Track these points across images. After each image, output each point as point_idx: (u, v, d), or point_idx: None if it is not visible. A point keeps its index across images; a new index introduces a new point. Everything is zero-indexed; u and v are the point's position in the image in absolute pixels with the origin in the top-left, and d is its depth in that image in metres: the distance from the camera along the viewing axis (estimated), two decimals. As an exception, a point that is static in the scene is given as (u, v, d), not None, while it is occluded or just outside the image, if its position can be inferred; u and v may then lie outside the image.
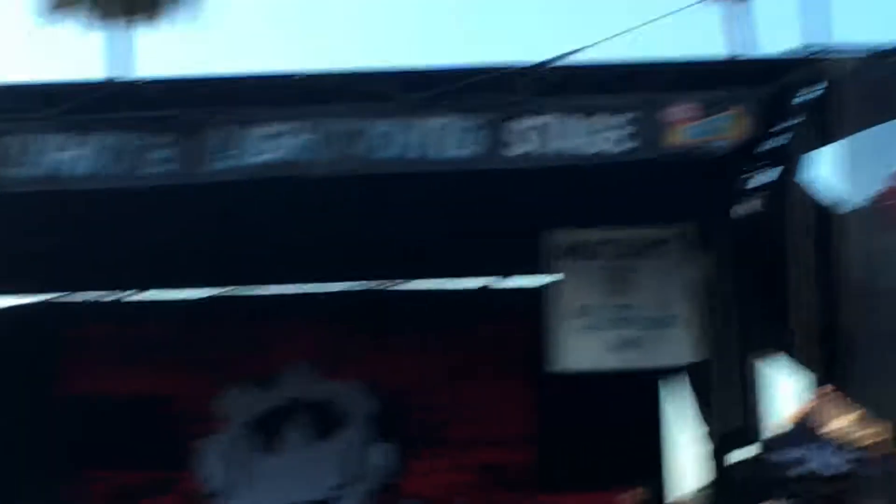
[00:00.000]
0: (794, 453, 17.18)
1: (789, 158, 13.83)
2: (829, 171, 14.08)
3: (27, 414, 19.15)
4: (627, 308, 15.75)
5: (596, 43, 13.64)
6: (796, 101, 13.52)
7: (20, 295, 19.83)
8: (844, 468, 15.79)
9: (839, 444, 16.72)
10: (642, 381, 17.80)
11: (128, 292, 20.40)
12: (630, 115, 13.16)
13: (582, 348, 15.68)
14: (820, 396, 15.57)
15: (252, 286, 19.95)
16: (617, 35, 13.61)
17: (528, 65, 13.40)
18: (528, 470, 19.52)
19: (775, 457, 17.06)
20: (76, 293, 20.10)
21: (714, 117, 13.22)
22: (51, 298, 19.88)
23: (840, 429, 16.86)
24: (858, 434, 14.83)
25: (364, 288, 19.86)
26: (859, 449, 14.57)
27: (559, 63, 13.46)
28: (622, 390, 18.05)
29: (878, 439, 14.74)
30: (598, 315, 15.75)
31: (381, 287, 19.81)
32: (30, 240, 16.21)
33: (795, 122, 13.64)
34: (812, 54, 13.38)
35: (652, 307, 15.75)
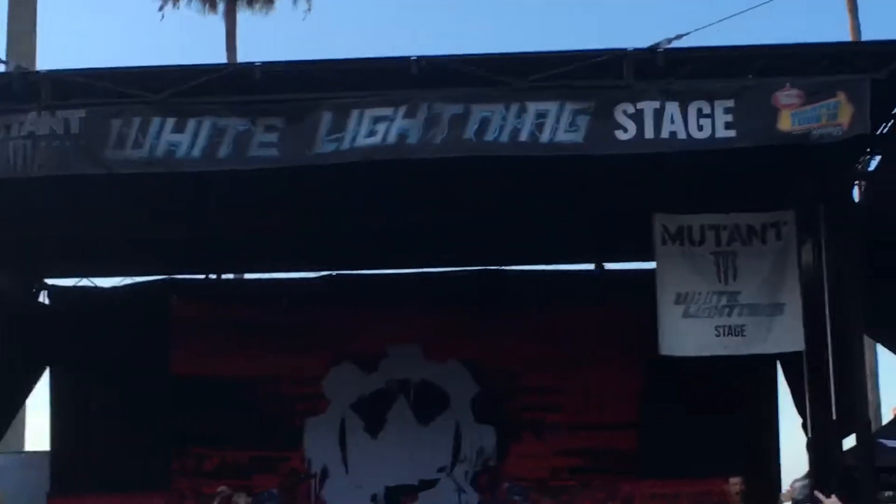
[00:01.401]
0: (904, 443, 17.03)
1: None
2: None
3: (138, 390, 19.50)
4: (733, 294, 15.63)
5: (704, 26, 13.63)
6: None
7: (132, 276, 20.17)
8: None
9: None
10: (748, 368, 17.72)
11: (237, 274, 20.69)
12: (739, 100, 13.08)
13: (687, 334, 15.57)
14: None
15: (358, 269, 20.09)
16: (727, 18, 13.58)
17: (636, 49, 13.38)
18: (631, 455, 19.51)
19: (884, 445, 16.93)
20: (186, 274, 20.36)
21: (822, 103, 13.11)
22: (161, 278, 20.15)
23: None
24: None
25: (470, 271, 19.91)
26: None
27: (666, 47, 13.46)
28: (728, 376, 18.00)
29: None
30: (703, 301, 15.64)
31: (488, 270, 19.83)
32: (141, 221, 16.47)
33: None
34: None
35: (758, 294, 15.60)
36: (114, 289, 20.34)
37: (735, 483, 15.49)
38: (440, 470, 19.63)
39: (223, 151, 13.29)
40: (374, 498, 19.39)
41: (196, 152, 13.26)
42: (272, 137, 13.32)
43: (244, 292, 20.72)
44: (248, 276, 21.57)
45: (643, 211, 15.89)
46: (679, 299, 15.59)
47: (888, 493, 17.67)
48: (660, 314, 15.64)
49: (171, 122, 13.29)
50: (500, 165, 13.79)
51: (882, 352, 18.70)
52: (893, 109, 13.92)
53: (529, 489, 19.15)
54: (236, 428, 19.76)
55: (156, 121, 13.31)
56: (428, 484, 19.63)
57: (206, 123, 13.29)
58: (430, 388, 20.00)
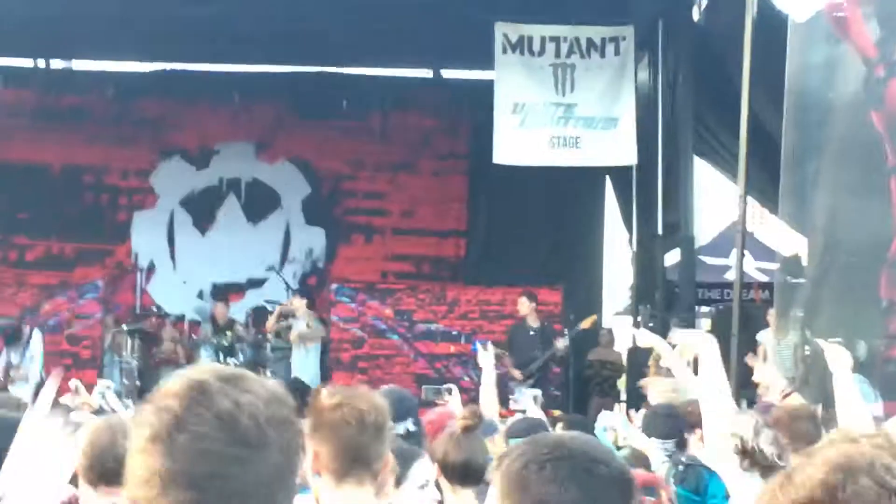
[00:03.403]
0: (724, 258, 17.55)
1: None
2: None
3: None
4: (570, 107, 15.74)
5: None
6: None
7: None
8: (769, 275, 16.16)
9: (764, 252, 17.07)
10: (576, 180, 17.97)
11: (67, 61, 20.08)
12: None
13: (522, 144, 15.69)
14: (751, 205, 15.79)
15: (193, 63, 19.68)
16: None
17: None
18: (458, 262, 19.76)
19: (706, 261, 17.43)
20: (13, 57, 19.71)
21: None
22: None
23: (766, 238, 17.16)
24: (782, 244, 15.06)
25: (306, 70, 19.65)
26: (783, 258, 14.85)
27: None
28: (557, 188, 18.23)
29: (800, 250, 15.00)
30: (540, 112, 15.74)
31: (325, 70, 19.59)
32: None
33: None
34: None
35: (594, 107, 15.75)
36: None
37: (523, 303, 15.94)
38: (268, 269, 19.60)
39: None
40: (200, 294, 19.33)
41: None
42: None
43: (72, 81, 20.13)
44: (76, 64, 20.90)
45: (485, 19, 15.81)
46: (516, 109, 15.67)
47: (706, 308, 18.25)
48: (496, 123, 15.71)
49: None
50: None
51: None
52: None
53: (357, 291, 19.24)
54: (61, 218, 19.44)
55: None
56: (255, 283, 19.62)
57: None
58: (262, 188, 19.88)
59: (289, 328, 16.99)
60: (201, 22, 16.89)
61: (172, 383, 2.22)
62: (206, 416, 2.14)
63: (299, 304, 17.01)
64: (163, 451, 2.14)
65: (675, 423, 7.23)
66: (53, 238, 19.53)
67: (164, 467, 2.13)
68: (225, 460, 2.13)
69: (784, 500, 2.11)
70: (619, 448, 6.71)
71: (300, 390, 8.37)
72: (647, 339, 6.62)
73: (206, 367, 2.27)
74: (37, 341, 16.22)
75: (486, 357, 8.67)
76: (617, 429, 7.37)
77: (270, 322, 17.27)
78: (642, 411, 8.55)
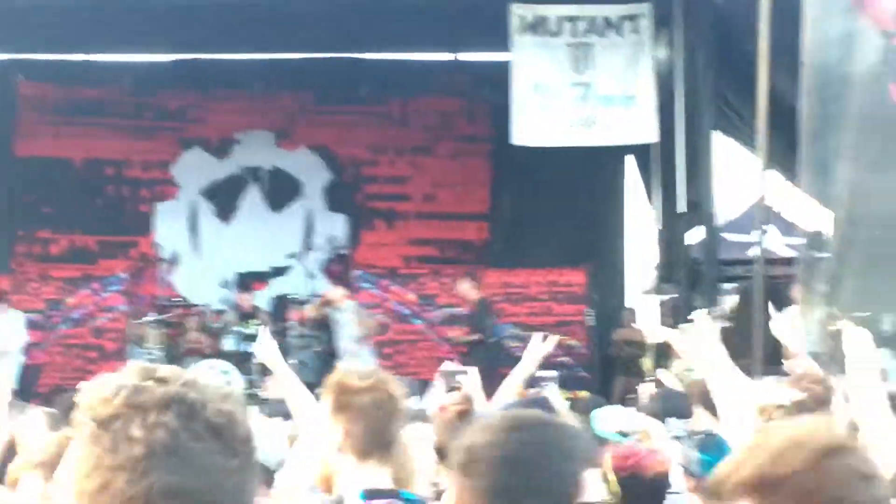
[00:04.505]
0: (748, 234, 17.47)
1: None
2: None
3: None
4: (588, 86, 15.69)
5: None
6: None
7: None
8: (795, 251, 16.08)
9: (790, 228, 17.00)
10: (599, 159, 17.92)
11: (84, 54, 20.09)
12: None
13: (541, 125, 15.65)
14: (773, 181, 15.71)
15: (210, 52, 19.69)
16: None
17: None
18: (482, 246, 19.74)
19: (729, 237, 17.36)
20: (32, 52, 19.74)
21: None
22: (7, 56, 19.54)
23: (791, 213, 17.08)
24: (807, 219, 14.98)
25: (325, 56, 19.64)
26: (808, 233, 14.77)
27: None
28: (579, 169, 18.19)
29: (824, 225, 14.92)
30: (558, 92, 15.69)
31: (343, 56, 19.58)
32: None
33: None
34: None
35: (612, 86, 15.70)
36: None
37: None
38: (291, 257, 19.58)
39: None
40: (224, 283, 19.35)
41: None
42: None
43: (91, 73, 20.13)
44: (95, 57, 20.91)
45: (500, 1, 15.76)
46: (534, 90, 15.62)
47: (729, 286, 18.18)
48: (514, 104, 15.68)
49: None
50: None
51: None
52: None
53: (380, 276, 19.27)
54: (83, 212, 19.49)
55: None
56: (279, 270, 19.63)
57: None
58: (283, 176, 19.87)
59: (324, 317, 16.99)
60: (219, 11, 16.90)
61: (135, 392, 2.06)
62: (200, 429, 2.05)
63: (336, 295, 16.80)
64: (159, 467, 2.03)
65: (688, 403, 7.32)
66: (76, 231, 19.56)
67: (158, 484, 2.01)
68: (223, 471, 2.06)
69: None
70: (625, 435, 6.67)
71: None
72: (661, 334, 6.63)
73: (152, 369, 2.13)
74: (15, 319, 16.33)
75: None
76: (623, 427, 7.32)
77: (312, 308, 17.14)
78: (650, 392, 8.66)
